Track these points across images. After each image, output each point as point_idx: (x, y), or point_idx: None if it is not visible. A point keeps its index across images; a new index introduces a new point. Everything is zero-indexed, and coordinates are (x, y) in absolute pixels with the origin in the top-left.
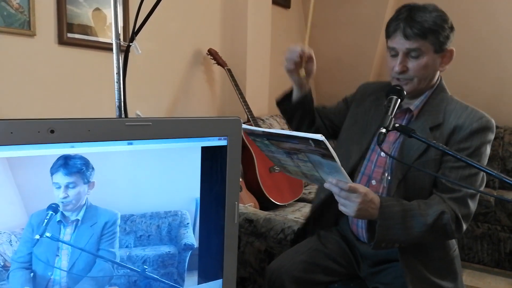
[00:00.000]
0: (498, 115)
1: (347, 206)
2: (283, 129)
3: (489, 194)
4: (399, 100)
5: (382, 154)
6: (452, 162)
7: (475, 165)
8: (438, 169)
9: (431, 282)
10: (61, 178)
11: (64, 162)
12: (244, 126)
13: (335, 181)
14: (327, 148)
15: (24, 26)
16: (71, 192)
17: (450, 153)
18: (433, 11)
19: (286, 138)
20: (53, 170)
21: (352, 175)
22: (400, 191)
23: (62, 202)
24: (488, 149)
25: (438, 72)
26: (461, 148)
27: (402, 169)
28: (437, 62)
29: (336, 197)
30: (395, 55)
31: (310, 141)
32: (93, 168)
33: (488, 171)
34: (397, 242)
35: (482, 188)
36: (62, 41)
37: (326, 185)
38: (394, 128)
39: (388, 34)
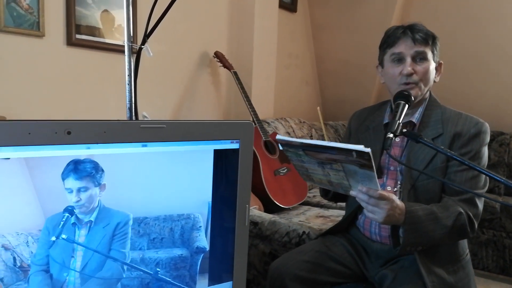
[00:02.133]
0: (504, 121)
1: (376, 213)
2: (288, 132)
3: (494, 200)
4: (406, 105)
5: (392, 167)
6: (457, 166)
7: (480, 170)
8: (445, 176)
9: (447, 282)
10: (72, 183)
11: (74, 167)
12: (279, 137)
13: (366, 189)
14: (369, 159)
15: (34, 27)
16: (83, 196)
17: (456, 157)
18: (426, 27)
19: (325, 149)
20: (64, 176)
21: None
22: (410, 200)
23: (76, 205)
24: (486, 151)
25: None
26: (463, 153)
27: (410, 179)
28: (434, 71)
29: (363, 204)
30: (400, 61)
31: (353, 152)
32: (102, 170)
33: (488, 173)
34: (421, 244)
35: (486, 187)
36: (71, 42)
37: (353, 193)
38: (402, 133)
39: (391, 43)
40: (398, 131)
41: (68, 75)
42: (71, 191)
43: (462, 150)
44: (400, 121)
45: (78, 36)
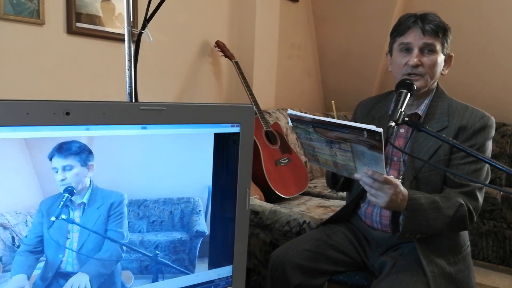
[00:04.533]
0: (507, 112)
1: (379, 197)
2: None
3: (496, 187)
4: (408, 94)
5: (395, 158)
6: (459, 159)
7: (483, 158)
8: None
9: (447, 272)
10: (57, 161)
11: (59, 147)
12: (291, 112)
13: (371, 172)
14: (380, 140)
15: (33, 15)
16: (69, 174)
17: (460, 147)
18: (439, 18)
19: (337, 127)
20: (50, 156)
21: (364, 192)
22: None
23: (62, 185)
24: (490, 145)
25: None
26: (466, 147)
27: (413, 170)
28: (442, 64)
29: (367, 188)
30: (408, 51)
31: (364, 132)
32: (90, 152)
33: (494, 164)
34: (420, 233)
35: (488, 181)
36: (71, 30)
37: (358, 176)
38: (404, 122)
39: (401, 32)
40: (400, 120)
41: (68, 64)
42: (57, 170)
43: (466, 144)
44: (402, 110)
45: (78, 24)
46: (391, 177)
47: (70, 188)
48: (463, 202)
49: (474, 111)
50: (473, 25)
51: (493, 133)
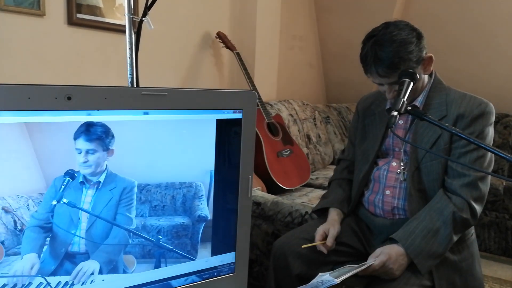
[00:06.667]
0: (509, 103)
1: (389, 275)
2: (291, 115)
3: (499, 176)
4: (411, 83)
5: (397, 149)
6: (460, 148)
7: (484, 145)
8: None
9: (450, 260)
10: (82, 144)
11: (86, 129)
12: None
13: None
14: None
15: (34, 6)
16: (91, 158)
17: (461, 134)
18: (396, 38)
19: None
20: (76, 136)
21: (368, 181)
22: (414, 181)
23: (83, 166)
24: (491, 131)
25: (426, 76)
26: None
27: (415, 161)
28: (420, 72)
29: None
30: (380, 85)
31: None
32: (113, 136)
33: (493, 150)
34: (435, 259)
35: (490, 169)
36: (72, 21)
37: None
38: (406, 111)
39: (365, 71)
40: (403, 109)
41: (69, 55)
42: (80, 152)
43: (465, 132)
44: (404, 99)
45: (79, 15)
46: (379, 258)
47: (71, 172)
48: (455, 209)
49: (472, 99)
50: (479, 14)
51: (492, 119)
